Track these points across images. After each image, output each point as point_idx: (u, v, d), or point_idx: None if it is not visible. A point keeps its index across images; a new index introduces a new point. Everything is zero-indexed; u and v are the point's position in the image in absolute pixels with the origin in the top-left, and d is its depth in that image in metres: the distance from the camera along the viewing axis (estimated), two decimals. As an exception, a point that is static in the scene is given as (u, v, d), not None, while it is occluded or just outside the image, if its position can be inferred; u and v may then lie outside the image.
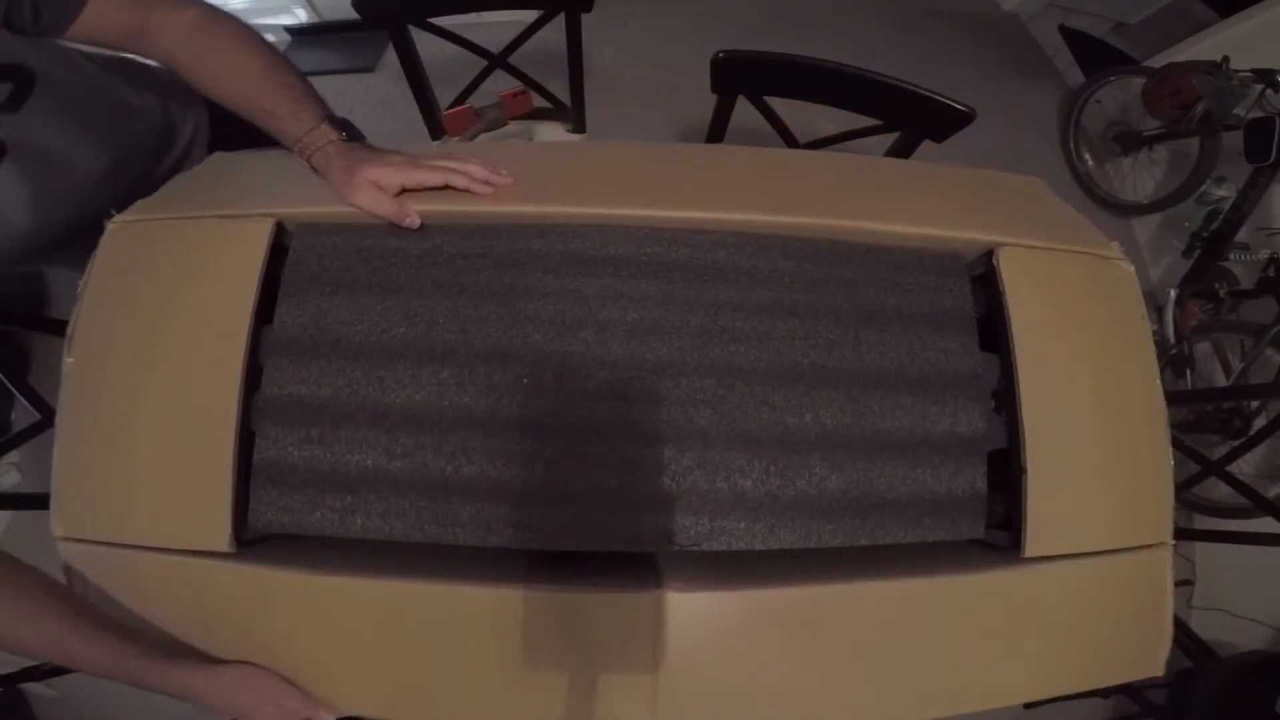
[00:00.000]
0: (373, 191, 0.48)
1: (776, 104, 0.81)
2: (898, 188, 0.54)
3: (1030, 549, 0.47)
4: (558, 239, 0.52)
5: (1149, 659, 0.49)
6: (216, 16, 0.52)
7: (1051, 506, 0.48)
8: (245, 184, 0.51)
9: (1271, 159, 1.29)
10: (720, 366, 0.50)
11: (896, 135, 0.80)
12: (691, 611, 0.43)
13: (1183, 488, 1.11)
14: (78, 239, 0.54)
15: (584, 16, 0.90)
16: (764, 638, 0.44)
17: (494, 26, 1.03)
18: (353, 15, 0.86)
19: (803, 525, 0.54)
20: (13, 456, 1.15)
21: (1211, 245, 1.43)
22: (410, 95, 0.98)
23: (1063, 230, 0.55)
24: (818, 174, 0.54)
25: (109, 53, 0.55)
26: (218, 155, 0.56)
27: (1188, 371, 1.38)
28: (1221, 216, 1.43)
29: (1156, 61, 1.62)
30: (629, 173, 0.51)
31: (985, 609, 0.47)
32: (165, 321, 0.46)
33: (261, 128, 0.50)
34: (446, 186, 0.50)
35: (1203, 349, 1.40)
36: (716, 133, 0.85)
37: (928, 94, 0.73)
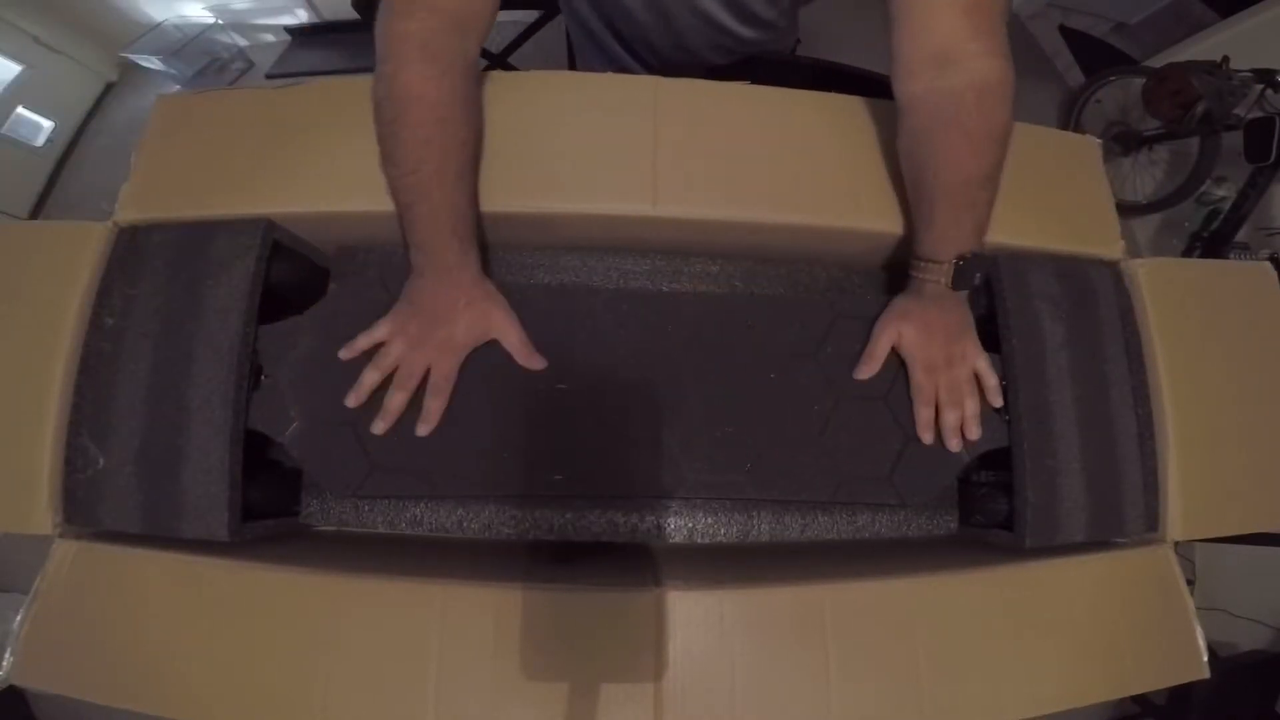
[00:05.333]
0: None
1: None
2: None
3: (1179, 532, 0.49)
4: (547, 272, 0.55)
5: (1188, 661, 0.48)
6: (1001, 92, 0.43)
7: (1198, 487, 0.50)
8: (230, 165, 0.51)
9: (1271, 159, 1.29)
10: (715, 378, 0.51)
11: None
12: (693, 611, 0.43)
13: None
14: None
15: (584, 16, 0.90)
16: (770, 639, 0.43)
17: (494, 26, 1.03)
18: (353, 15, 0.86)
19: (792, 518, 0.54)
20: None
21: (1211, 245, 1.43)
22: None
23: (1069, 225, 0.55)
24: (828, 151, 0.54)
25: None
26: (168, 105, 0.54)
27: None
28: (1221, 216, 1.43)
29: (1156, 61, 1.62)
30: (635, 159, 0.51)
31: (998, 606, 0.46)
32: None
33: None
34: None
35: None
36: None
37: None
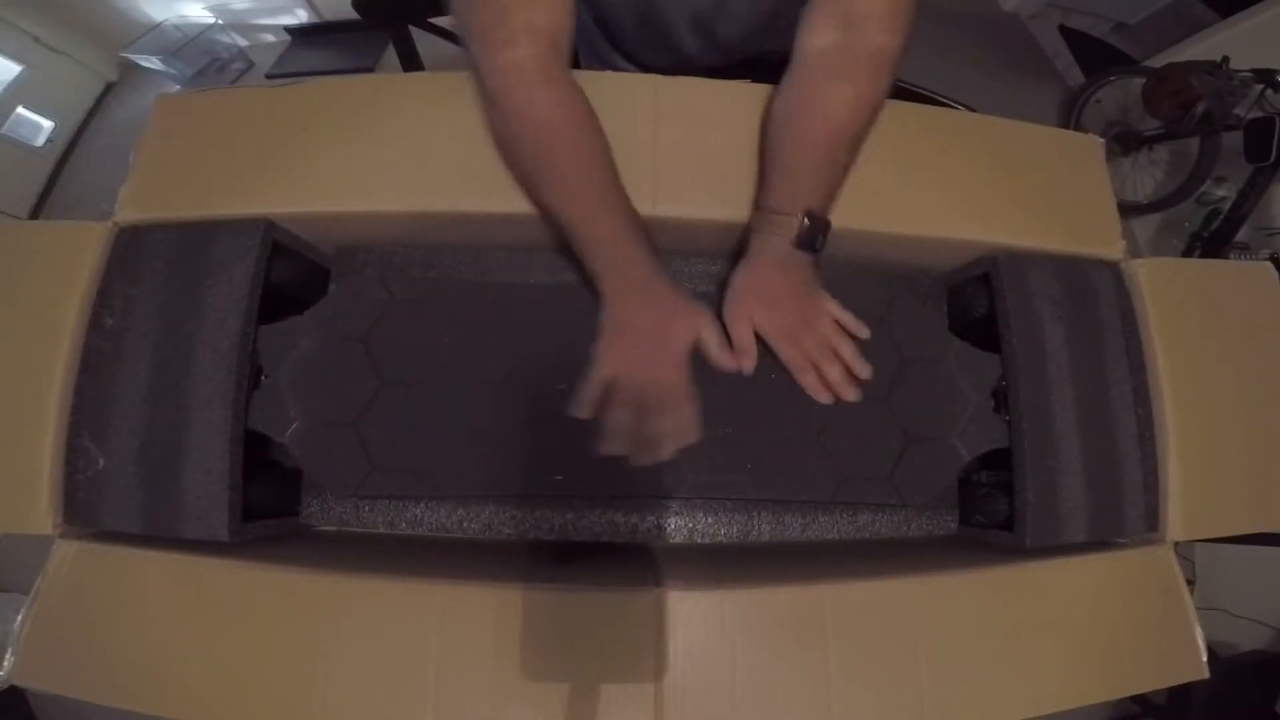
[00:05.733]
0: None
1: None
2: (913, 167, 0.53)
3: (1179, 532, 0.49)
4: (547, 272, 0.54)
5: (1187, 661, 0.48)
6: (891, 68, 0.45)
7: (1197, 489, 0.50)
8: (230, 165, 0.51)
9: (1271, 159, 1.29)
10: (715, 378, 0.51)
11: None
12: (693, 611, 0.43)
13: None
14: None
15: (584, 16, 0.89)
16: (770, 639, 0.43)
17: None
18: (353, 15, 0.86)
19: (793, 518, 0.54)
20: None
21: (1211, 245, 1.43)
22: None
23: (1069, 225, 0.55)
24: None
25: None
26: (168, 105, 0.54)
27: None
28: (1221, 217, 1.43)
29: (1156, 61, 1.62)
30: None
31: (998, 607, 0.46)
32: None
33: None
34: None
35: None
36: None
37: (928, 93, 0.73)
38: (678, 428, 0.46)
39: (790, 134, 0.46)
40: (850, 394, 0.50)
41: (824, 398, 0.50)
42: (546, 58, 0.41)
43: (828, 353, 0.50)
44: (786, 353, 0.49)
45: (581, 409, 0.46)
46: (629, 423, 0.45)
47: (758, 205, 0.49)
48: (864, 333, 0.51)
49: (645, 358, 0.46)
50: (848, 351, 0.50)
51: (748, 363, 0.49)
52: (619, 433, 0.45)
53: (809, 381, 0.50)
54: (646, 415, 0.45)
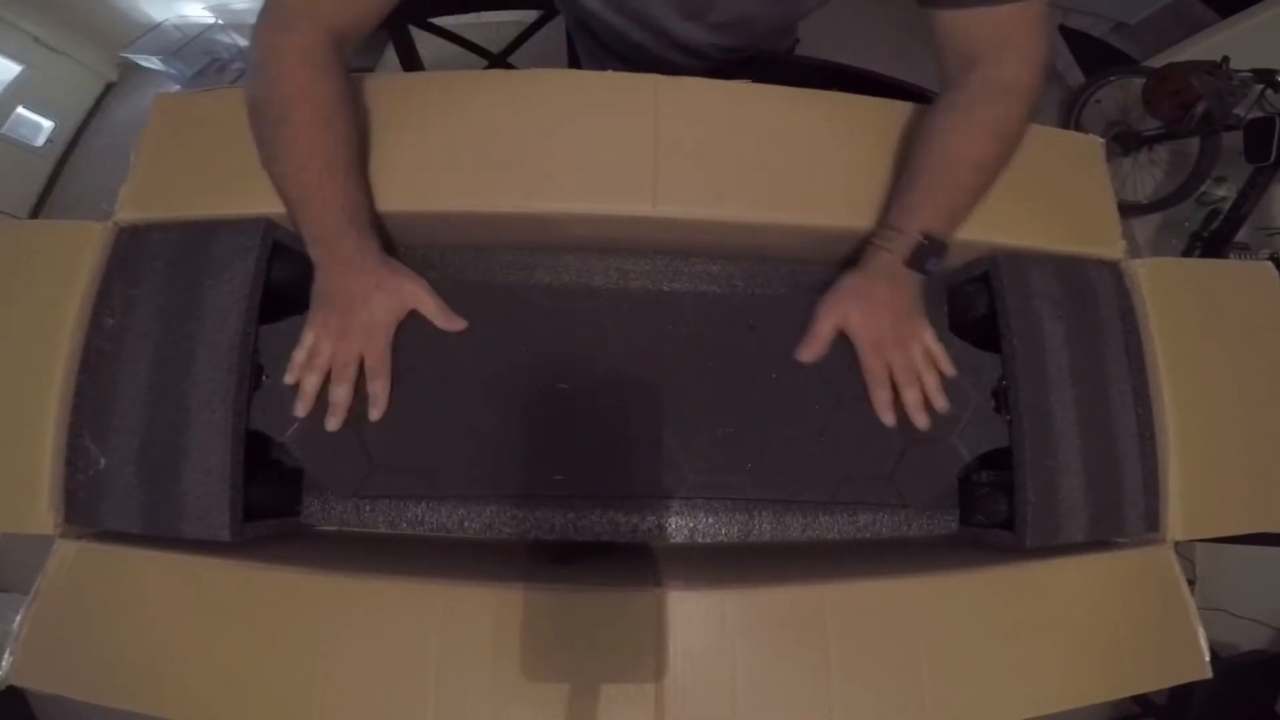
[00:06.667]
0: None
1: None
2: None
3: (1179, 532, 0.49)
4: (547, 272, 0.54)
5: (1189, 660, 0.48)
6: (1015, 93, 0.46)
7: (1197, 488, 0.50)
8: (230, 165, 0.50)
9: (1271, 159, 1.29)
10: (715, 378, 0.51)
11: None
12: (694, 611, 0.43)
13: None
14: None
15: (584, 16, 0.89)
16: (771, 639, 0.43)
17: (494, 26, 1.03)
18: (352, 15, 0.86)
19: (793, 518, 0.54)
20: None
21: (1211, 245, 1.43)
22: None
23: (1069, 225, 0.55)
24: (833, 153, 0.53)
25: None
26: (168, 105, 0.54)
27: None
28: (1221, 217, 1.43)
29: (1156, 61, 1.62)
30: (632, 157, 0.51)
31: (998, 606, 0.46)
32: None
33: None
34: None
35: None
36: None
37: (929, 92, 0.73)
38: (371, 397, 0.48)
39: (908, 161, 0.48)
40: (921, 419, 0.50)
41: (889, 419, 0.50)
42: (321, 44, 0.44)
43: (911, 375, 0.50)
44: (869, 361, 0.50)
45: (290, 375, 0.48)
46: (315, 389, 0.47)
47: (878, 221, 0.49)
48: (951, 370, 0.51)
49: (341, 328, 0.47)
50: (931, 381, 0.50)
51: (809, 352, 0.50)
52: (306, 398, 0.47)
53: (881, 397, 0.50)
54: (330, 382, 0.47)
